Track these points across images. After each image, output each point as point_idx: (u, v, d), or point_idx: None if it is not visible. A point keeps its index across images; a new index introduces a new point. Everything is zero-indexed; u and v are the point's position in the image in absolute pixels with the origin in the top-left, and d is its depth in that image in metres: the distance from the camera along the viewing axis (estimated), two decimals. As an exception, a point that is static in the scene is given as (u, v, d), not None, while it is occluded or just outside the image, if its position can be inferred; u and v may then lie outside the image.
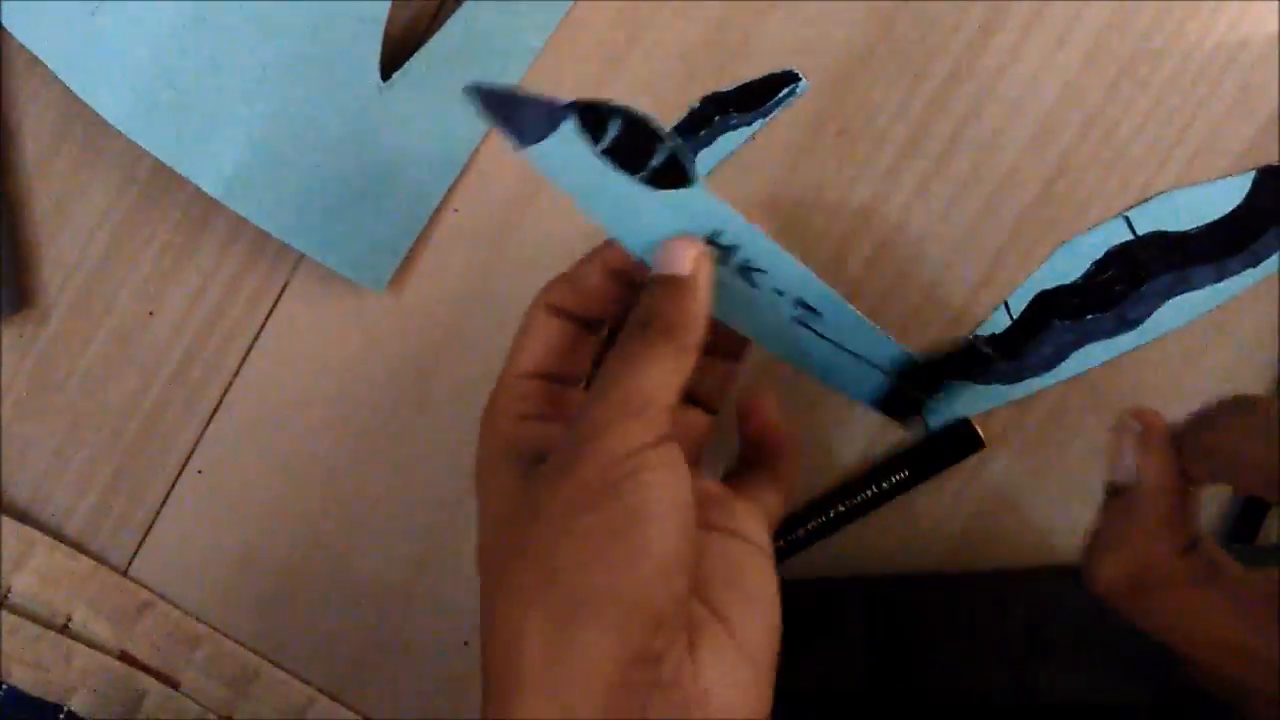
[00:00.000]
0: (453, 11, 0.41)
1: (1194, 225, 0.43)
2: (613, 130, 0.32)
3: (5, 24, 0.40)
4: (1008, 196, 0.43)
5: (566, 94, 0.42)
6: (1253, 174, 0.42)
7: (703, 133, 0.43)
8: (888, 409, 0.43)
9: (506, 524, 0.32)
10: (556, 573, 0.29)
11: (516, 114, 0.33)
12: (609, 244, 0.36)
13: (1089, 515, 0.43)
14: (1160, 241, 0.43)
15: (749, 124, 0.43)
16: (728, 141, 0.43)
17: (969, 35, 0.42)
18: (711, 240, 0.34)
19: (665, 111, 0.43)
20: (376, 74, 0.41)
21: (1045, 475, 0.45)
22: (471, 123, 0.43)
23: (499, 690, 0.30)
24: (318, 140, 0.41)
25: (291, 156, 0.41)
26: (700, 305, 0.33)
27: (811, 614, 0.45)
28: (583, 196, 0.34)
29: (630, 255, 0.35)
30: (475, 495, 0.34)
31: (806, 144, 0.43)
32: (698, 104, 0.43)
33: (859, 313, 0.38)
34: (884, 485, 0.45)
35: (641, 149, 0.33)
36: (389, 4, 0.40)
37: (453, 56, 0.42)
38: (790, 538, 0.45)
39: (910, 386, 0.42)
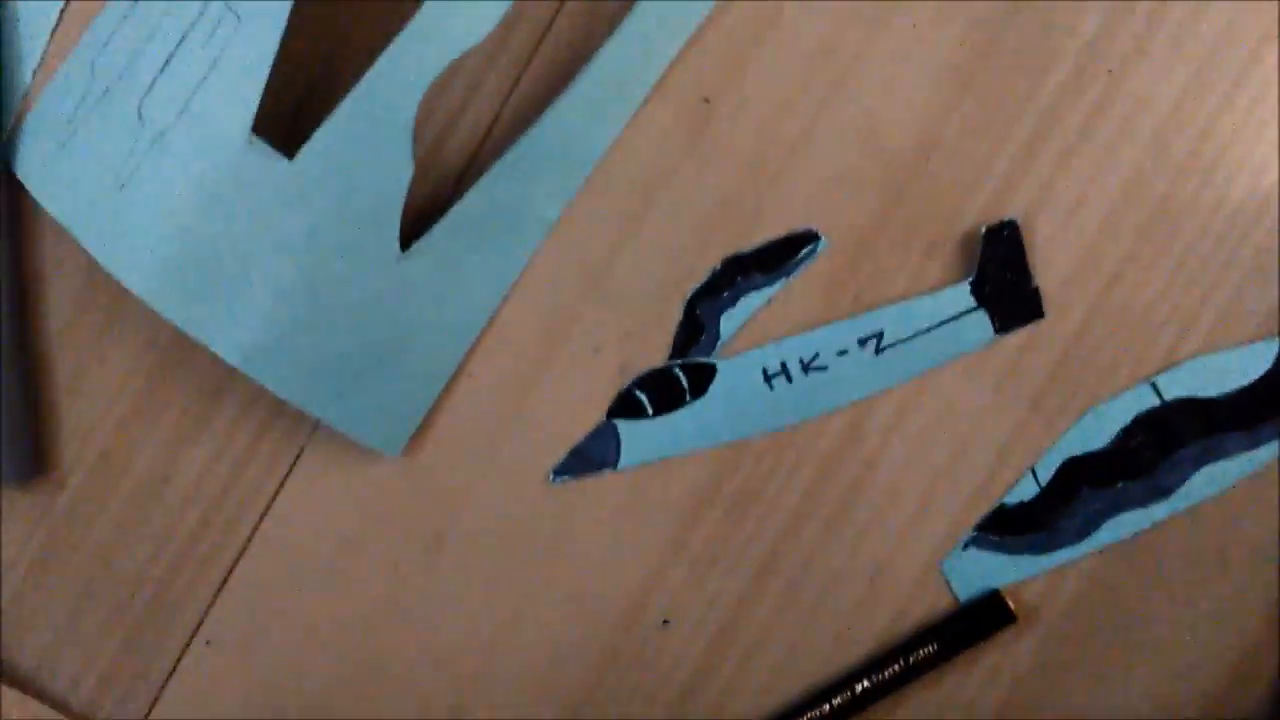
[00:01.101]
0: (472, 183, 0.42)
1: (1222, 391, 0.42)
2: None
3: (34, 193, 0.41)
4: (1031, 361, 0.42)
5: (584, 259, 0.43)
6: (1278, 339, 0.42)
7: (724, 294, 0.43)
8: None
9: None
10: None
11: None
12: None
13: (1127, 692, 0.42)
14: (1189, 408, 0.42)
15: (771, 284, 0.43)
16: (750, 302, 0.43)
17: (984, 201, 0.42)
18: None
19: (685, 273, 0.43)
20: (396, 244, 0.41)
21: (1080, 650, 0.43)
22: (489, 290, 0.43)
23: None
24: (337, 309, 0.41)
25: (310, 325, 0.41)
26: None
27: None
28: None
29: None
30: None
31: (823, 311, 0.43)
32: (719, 266, 0.43)
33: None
34: (910, 660, 0.43)
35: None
36: (409, 177, 0.41)
37: (472, 226, 0.42)
38: (813, 716, 0.44)
39: None
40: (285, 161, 0.40)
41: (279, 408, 0.44)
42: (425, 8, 0.40)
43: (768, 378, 0.43)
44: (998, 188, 0.42)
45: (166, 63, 0.41)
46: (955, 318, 0.43)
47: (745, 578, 0.44)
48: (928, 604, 0.43)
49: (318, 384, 0.42)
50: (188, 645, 0.45)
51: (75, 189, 0.41)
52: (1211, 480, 0.42)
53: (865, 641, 0.44)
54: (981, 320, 0.42)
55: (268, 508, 0.45)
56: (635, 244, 0.43)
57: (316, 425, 0.44)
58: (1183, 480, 0.42)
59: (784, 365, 0.43)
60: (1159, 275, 0.42)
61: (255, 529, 0.45)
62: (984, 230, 0.42)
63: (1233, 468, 0.42)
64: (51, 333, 0.44)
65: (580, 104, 0.42)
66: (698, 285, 0.43)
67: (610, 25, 0.42)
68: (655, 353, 0.44)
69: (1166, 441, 0.42)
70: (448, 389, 0.44)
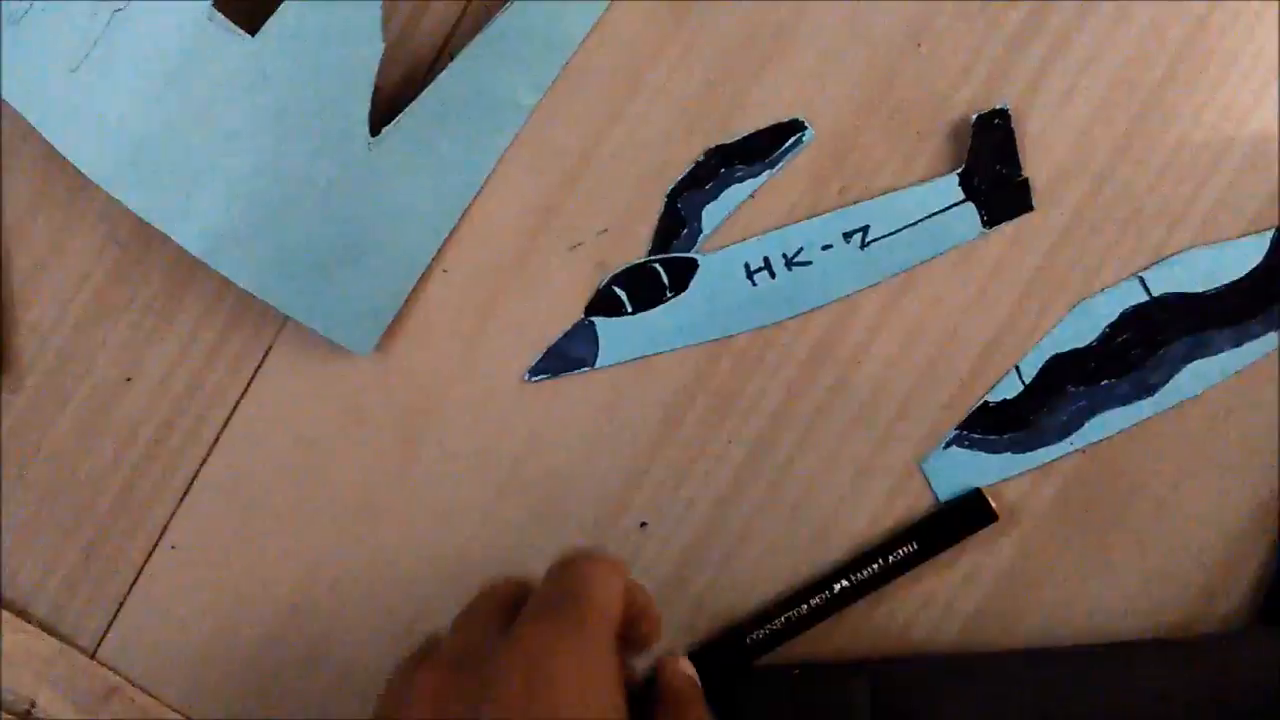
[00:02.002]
0: (446, 66, 0.40)
1: (1211, 287, 0.42)
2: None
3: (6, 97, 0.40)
4: (1019, 256, 0.42)
5: (563, 150, 0.42)
6: (1271, 233, 0.41)
7: (708, 186, 0.42)
8: None
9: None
10: None
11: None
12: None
13: (1108, 592, 0.42)
14: (1176, 303, 0.42)
15: (755, 176, 0.42)
16: (734, 195, 0.42)
17: (974, 91, 0.41)
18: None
19: (666, 165, 0.42)
20: (365, 128, 0.40)
21: (1062, 550, 0.43)
22: (464, 180, 0.42)
23: None
24: (303, 197, 0.40)
25: (276, 213, 0.40)
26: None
27: (815, 702, 0.43)
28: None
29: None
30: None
31: (809, 202, 0.42)
32: (702, 157, 0.42)
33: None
34: (891, 560, 0.43)
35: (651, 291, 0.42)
36: (379, 56, 0.39)
37: (446, 112, 0.41)
38: (791, 616, 0.43)
39: None
40: (247, 38, 0.39)
41: (245, 304, 0.43)
42: None
43: (750, 273, 0.43)
44: (988, 75, 0.41)
45: None
46: (943, 210, 0.42)
47: (725, 479, 0.43)
48: (908, 504, 0.43)
49: (284, 277, 0.41)
50: (153, 549, 0.44)
51: (28, 73, 0.39)
52: (1198, 378, 0.42)
53: (844, 542, 0.44)
54: (970, 213, 0.42)
55: (234, 408, 0.44)
56: (614, 135, 0.42)
57: (284, 322, 0.43)
58: (1169, 378, 0.42)
59: (767, 260, 0.43)
60: (1151, 168, 0.41)
61: (221, 430, 0.44)
62: (975, 118, 0.41)
63: (1219, 365, 0.42)
64: (6, 228, 0.42)
65: None
66: (679, 177, 0.42)
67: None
68: (635, 248, 0.43)
69: (1153, 338, 0.42)
70: (421, 284, 0.43)
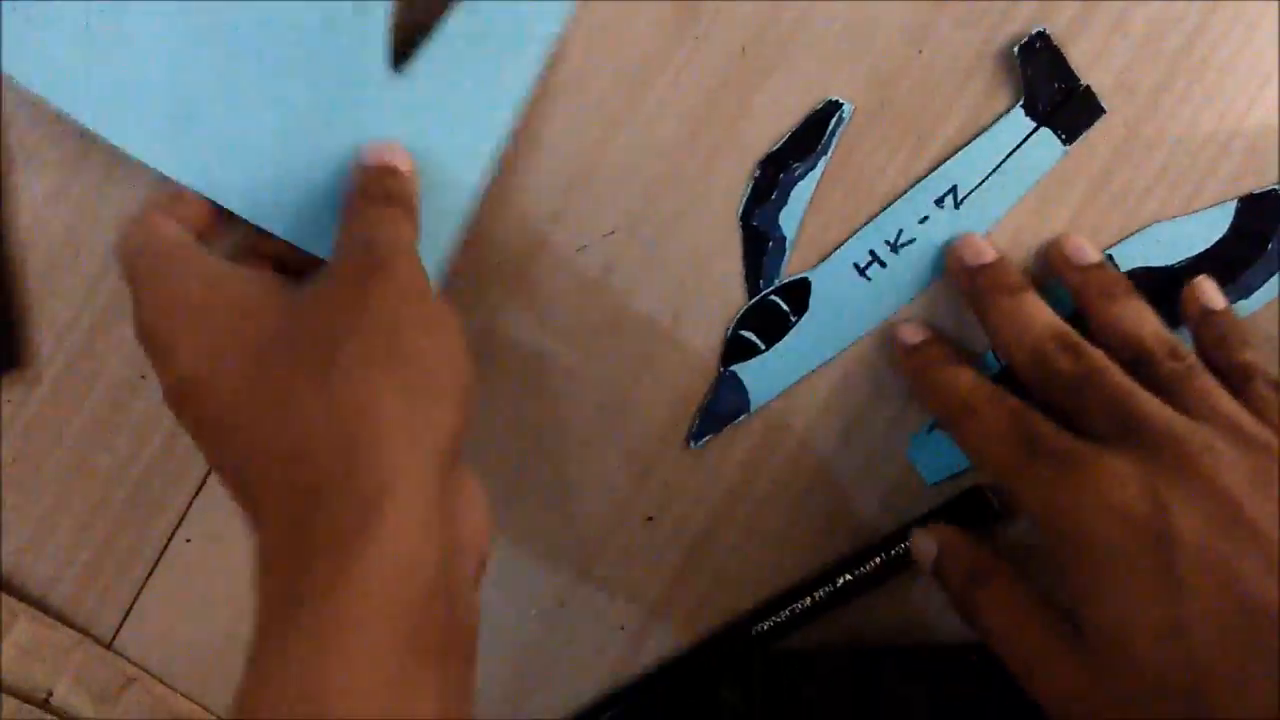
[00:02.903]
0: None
1: (1180, 259, 0.43)
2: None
3: (6, 69, 0.39)
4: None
5: (565, 157, 0.42)
6: (1234, 203, 0.42)
7: (774, 196, 0.42)
8: None
9: (299, 319, 0.33)
10: (405, 354, 0.31)
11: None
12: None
13: None
14: (1147, 277, 0.43)
15: (813, 167, 0.42)
16: (801, 193, 0.42)
17: (973, 99, 0.42)
18: None
19: (669, 169, 0.42)
20: (387, 61, 0.39)
21: None
22: (493, 116, 0.40)
23: (345, 450, 0.30)
24: (332, 141, 0.40)
25: (308, 162, 0.40)
26: (416, 193, 0.38)
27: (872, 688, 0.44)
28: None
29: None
30: (153, 329, 0.35)
31: (814, 204, 0.43)
32: (757, 172, 0.42)
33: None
34: (893, 554, 0.44)
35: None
36: None
37: (467, 43, 0.40)
38: (796, 607, 0.44)
39: None
40: None
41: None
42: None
43: (861, 270, 0.43)
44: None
45: None
46: (1020, 144, 0.42)
47: (731, 476, 0.44)
48: (911, 492, 0.44)
49: (326, 227, 0.39)
50: (168, 542, 0.45)
51: (44, 51, 0.39)
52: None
53: (845, 537, 0.45)
54: (1047, 137, 0.42)
55: (247, 406, 0.44)
56: (619, 138, 0.42)
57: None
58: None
59: (872, 253, 0.43)
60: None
61: (235, 427, 0.44)
62: (1017, 49, 0.41)
63: (1189, 337, 0.42)
64: (23, 226, 0.43)
65: None
66: (745, 197, 0.42)
67: None
68: (638, 249, 0.43)
69: (1126, 312, 0.43)
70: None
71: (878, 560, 0.44)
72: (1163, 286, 0.43)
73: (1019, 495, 0.35)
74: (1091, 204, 0.43)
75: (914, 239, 0.43)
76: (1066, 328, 0.39)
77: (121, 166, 0.42)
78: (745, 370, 0.44)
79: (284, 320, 0.33)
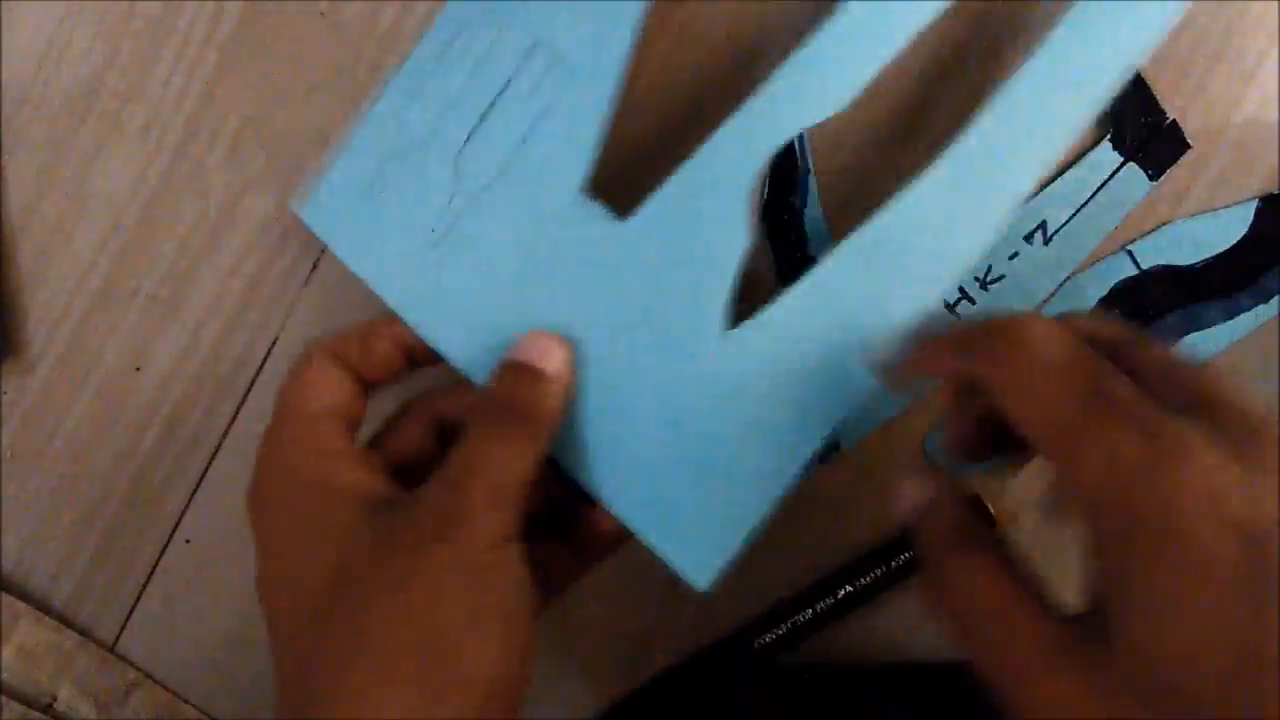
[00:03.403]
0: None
1: (1199, 259, 0.42)
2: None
3: (337, 251, 0.39)
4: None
5: None
6: (1255, 203, 0.42)
7: (793, 237, 0.42)
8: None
9: (351, 566, 0.32)
10: (437, 651, 0.30)
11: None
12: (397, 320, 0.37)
13: None
14: (1166, 276, 0.42)
15: (809, 190, 0.42)
16: (814, 217, 0.42)
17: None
18: None
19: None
20: (721, 322, 0.37)
21: (1060, 551, 0.43)
22: (834, 397, 0.37)
23: None
24: (646, 392, 0.37)
25: (618, 409, 0.38)
26: (559, 401, 0.35)
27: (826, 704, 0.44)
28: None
29: (418, 338, 0.37)
30: (254, 521, 0.34)
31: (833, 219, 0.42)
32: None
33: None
34: (891, 566, 0.43)
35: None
36: (747, 246, 0.37)
37: (815, 312, 0.37)
38: (796, 620, 0.44)
39: None
40: (617, 224, 0.37)
41: (253, 298, 0.43)
42: (783, 71, 0.36)
43: (950, 308, 0.43)
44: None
45: (485, 114, 0.38)
46: (1109, 179, 0.41)
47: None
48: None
49: (622, 477, 0.38)
50: (167, 544, 0.44)
51: (382, 246, 0.38)
52: (1192, 352, 0.42)
53: (857, 536, 0.44)
54: (1134, 173, 0.41)
55: (243, 399, 0.44)
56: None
57: (286, 317, 0.43)
58: (1163, 353, 0.43)
59: (962, 290, 0.42)
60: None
61: (231, 422, 0.44)
62: None
63: (1212, 338, 0.42)
64: (12, 215, 0.42)
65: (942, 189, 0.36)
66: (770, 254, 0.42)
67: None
68: None
69: (1145, 312, 0.42)
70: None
71: (877, 572, 0.44)
72: (1182, 286, 0.42)
73: (1072, 457, 0.28)
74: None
75: (1003, 275, 0.42)
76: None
77: (111, 152, 0.41)
78: None
79: (345, 568, 0.32)
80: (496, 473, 0.32)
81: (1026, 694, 0.28)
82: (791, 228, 0.42)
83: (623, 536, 0.37)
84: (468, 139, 0.39)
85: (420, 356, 0.37)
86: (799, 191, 0.42)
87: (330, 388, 0.35)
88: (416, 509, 0.32)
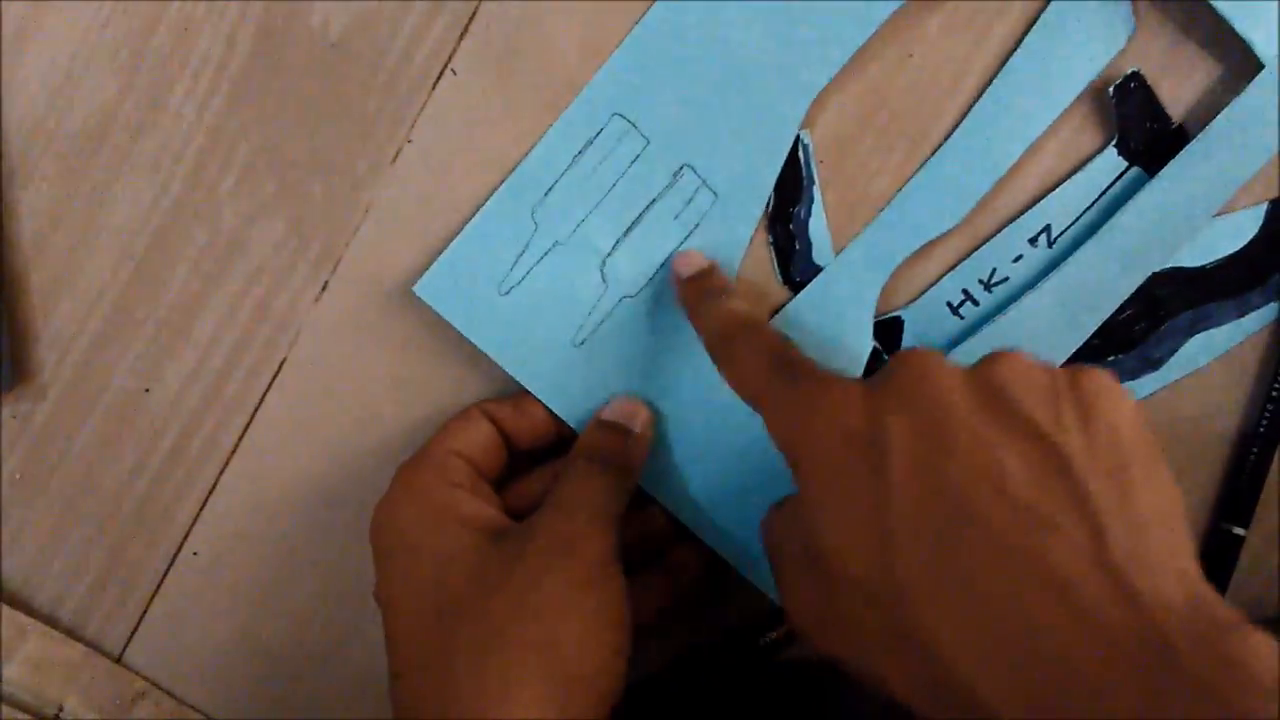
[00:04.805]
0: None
1: (1210, 260, 0.42)
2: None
3: (469, 335, 0.42)
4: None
5: None
6: (1265, 206, 0.42)
7: (798, 246, 0.42)
8: None
9: (483, 577, 0.37)
10: (557, 651, 0.35)
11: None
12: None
13: None
14: (1177, 277, 0.42)
15: (813, 200, 0.42)
16: (819, 229, 0.42)
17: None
18: None
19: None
20: None
21: None
22: None
23: None
24: (740, 437, 0.42)
25: (712, 451, 0.42)
26: (644, 453, 0.41)
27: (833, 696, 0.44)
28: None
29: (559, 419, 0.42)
30: (380, 533, 0.39)
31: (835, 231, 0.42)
32: (770, 238, 0.42)
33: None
34: None
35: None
36: (869, 350, 0.41)
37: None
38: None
39: None
40: None
41: (260, 317, 0.43)
42: (904, 193, 0.41)
43: (954, 309, 0.43)
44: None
45: (631, 227, 0.41)
46: (1113, 184, 0.42)
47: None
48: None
49: (709, 511, 0.43)
50: (175, 556, 0.45)
51: (524, 340, 0.42)
52: (1202, 350, 0.42)
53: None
54: (1139, 177, 0.41)
55: (252, 417, 0.44)
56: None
57: (294, 340, 0.44)
58: (1173, 351, 0.42)
59: (965, 292, 0.43)
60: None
61: (240, 439, 0.44)
62: (1112, 89, 0.41)
63: (1223, 336, 0.42)
64: (25, 242, 0.43)
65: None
66: (774, 263, 0.43)
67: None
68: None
69: (1156, 312, 0.42)
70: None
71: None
72: (1192, 287, 0.42)
73: (767, 422, 0.34)
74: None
75: (1007, 277, 0.42)
76: (760, 318, 0.38)
77: (122, 181, 0.42)
78: None
79: (472, 582, 0.37)
80: (598, 504, 0.38)
81: (789, 604, 0.34)
82: (796, 237, 0.42)
83: (702, 568, 0.43)
84: (614, 248, 0.41)
85: (569, 433, 0.42)
86: (804, 201, 0.42)
87: (475, 435, 0.41)
88: (536, 531, 0.37)
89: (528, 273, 0.41)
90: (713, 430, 0.42)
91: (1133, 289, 0.41)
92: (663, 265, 0.41)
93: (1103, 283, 0.41)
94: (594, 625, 0.36)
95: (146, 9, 0.41)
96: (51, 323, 0.43)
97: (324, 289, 0.43)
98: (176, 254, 0.43)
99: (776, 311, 0.42)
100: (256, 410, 0.44)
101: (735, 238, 0.41)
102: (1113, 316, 0.42)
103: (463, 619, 0.36)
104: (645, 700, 0.45)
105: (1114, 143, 0.41)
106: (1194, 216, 0.40)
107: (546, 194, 0.41)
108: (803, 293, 0.42)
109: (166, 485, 0.44)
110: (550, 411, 0.42)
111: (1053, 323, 0.41)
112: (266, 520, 0.45)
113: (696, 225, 0.41)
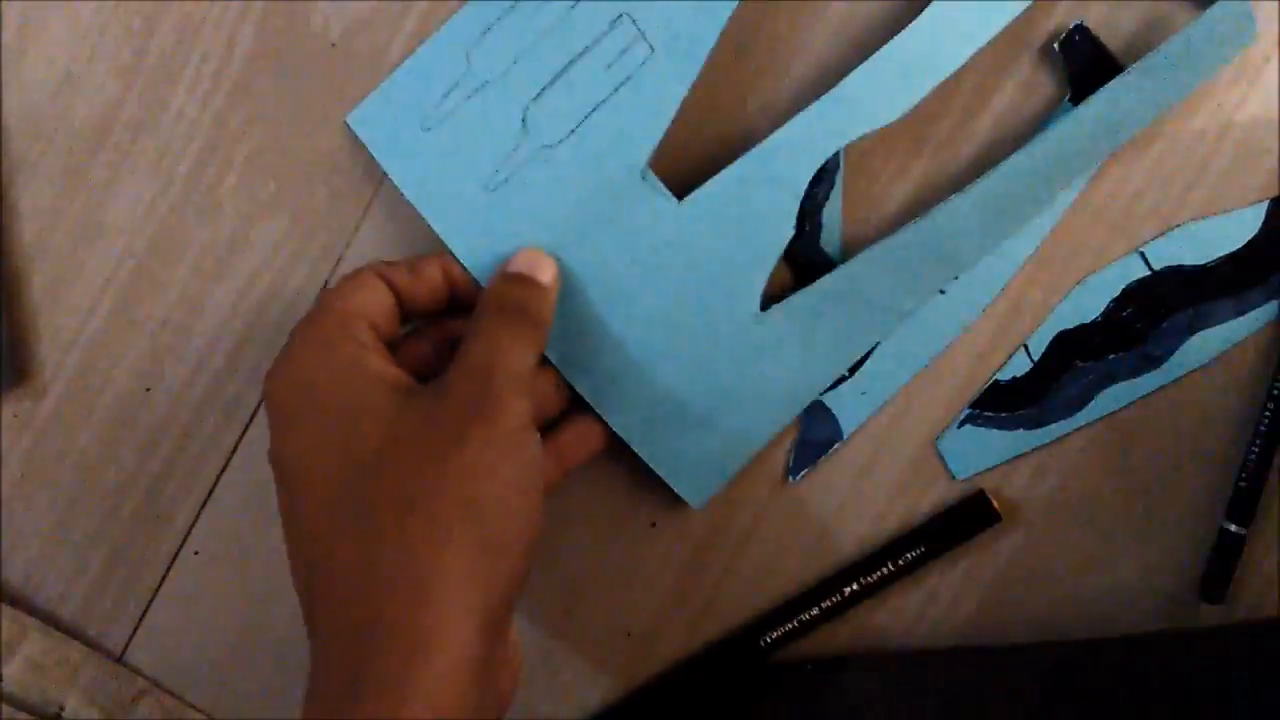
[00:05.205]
0: (842, 263, 0.42)
1: (1210, 258, 0.42)
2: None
3: (389, 170, 0.41)
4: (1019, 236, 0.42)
5: None
6: (1266, 204, 0.42)
7: (807, 228, 0.42)
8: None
9: (397, 440, 0.35)
10: (485, 510, 0.34)
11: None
12: (451, 258, 0.41)
13: (1106, 587, 0.44)
14: (1177, 276, 0.42)
15: (833, 185, 0.42)
16: (832, 213, 0.43)
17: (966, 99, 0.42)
18: None
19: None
20: (757, 303, 0.41)
21: (1062, 547, 0.44)
22: (825, 367, 0.42)
23: (407, 598, 0.33)
24: (683, 353, 0.41)
25: (655, 363, 0.42)
26: (551, 306, 0.40)
27: (828, 697, 0.44)
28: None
29: (464, 274, 0.41)
30: (276, 397, 0.37)
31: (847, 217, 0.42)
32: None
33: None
34: (899, 563, 0.44)
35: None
36: (789, 238, 0.41)
37: (837, 299, 0.42)
38: (803, 618, 0.44)
39: None
40: (674, 202, 0.40)
41: (259, 317, 0.44)
42: (848, 81, 0.39)
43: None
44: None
45: (560, 74, 0.40)
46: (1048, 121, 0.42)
47: (731, 481, 0.44)
48: (924, 484, 0.44)
49: (646, 421, 0.42)
50: (176, 555, 0.45)
51: (438, 179, 0.41)
52: (1203, 348, 0.42)
53: (858, 530, 0.44)
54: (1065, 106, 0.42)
55: (251, 418, 0.44)
56: None
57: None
58: (1172, 349, 0.42)
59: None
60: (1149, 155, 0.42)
61: (240, 438, 0.44)
62: (1057, 45, 0.41)
63: (1223, 334, 0.42)
64: (27, 241, 0.43)
65: (985, 204, 0.41)
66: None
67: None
68: None
69: (1156, 311, 0.42)
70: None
71: (885, 569, 0.44)
72: (1193, 285, 0.42)
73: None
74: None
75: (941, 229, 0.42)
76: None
77: (122, 181, 0.42)
78: (833, 398, 0.43)
79: (388, 440, 0.35)
80: (512, 365, 0.36)
81: None
82: (809, 217, 0.42)
83: (599, 450, 0.42)
84: (540, 93, 0.40)
85: (462, 295, 0.41)
86: (825, 183, 0.42)
87: (371, 297, 0.38)
88: (449, 393, 0.36)
89: (452, 111, 0.40)
90: (614, 297, 0.41)
91: (1053, 198, 0.41)
92: (587, 118, 0.40)
93: (1025, 192, 0.41)
94: (513, 489, 0.35)
95: (148, 9, 0.42)
96: (52, 323, 0.44)
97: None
98: (177, 254, 0.43)
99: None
100: (256, 410, 0.44)
101: (666, 95, 0.40)
102: (1113, 314, 0.42)
103: (381, 477, 0.34)
104: (646, 702, 0.45)
105: (1067, 98, 0.42)
106: (1118, 136, 0.40)
107: (485, 33, 0.40)
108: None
109: (167, 485, 0.44)
110: (444, 276, 0.40)
111: (969, 226, 0.41)
112: (266, 520, 0.44)
113: (628, 78, 0.40)
